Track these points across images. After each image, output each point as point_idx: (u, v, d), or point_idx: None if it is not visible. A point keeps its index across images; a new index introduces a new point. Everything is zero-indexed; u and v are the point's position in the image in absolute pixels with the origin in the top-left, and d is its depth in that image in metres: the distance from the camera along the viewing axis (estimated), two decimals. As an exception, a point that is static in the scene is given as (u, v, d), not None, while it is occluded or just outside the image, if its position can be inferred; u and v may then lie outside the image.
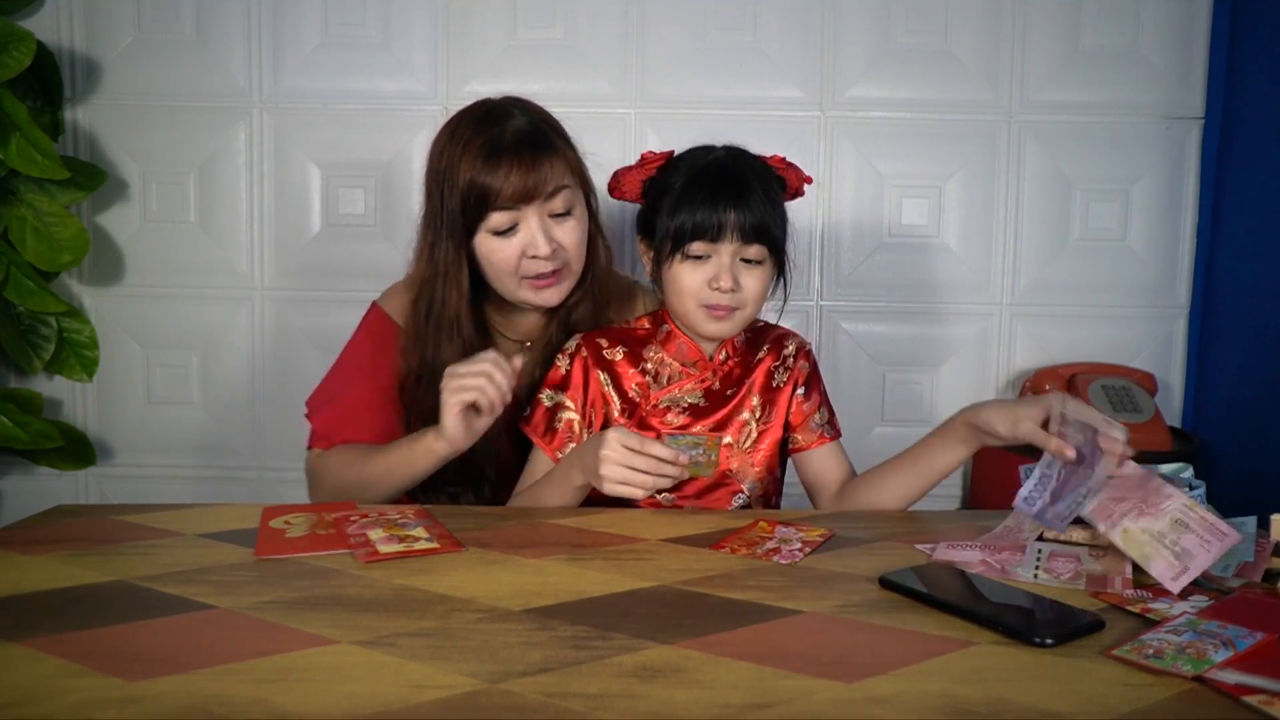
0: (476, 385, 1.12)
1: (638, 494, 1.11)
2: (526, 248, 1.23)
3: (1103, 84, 1.94)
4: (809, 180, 1.28)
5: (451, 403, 1.13)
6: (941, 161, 1.96)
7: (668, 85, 1.94)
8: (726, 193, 1.15)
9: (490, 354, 1.15)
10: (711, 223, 1.15)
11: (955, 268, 1.98)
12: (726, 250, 1.17)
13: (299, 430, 1.77)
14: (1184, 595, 0.85)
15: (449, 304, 1.27)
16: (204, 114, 1.95)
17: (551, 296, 1.28)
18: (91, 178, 1.86)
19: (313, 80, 1.94)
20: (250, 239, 1.98)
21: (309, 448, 1.35)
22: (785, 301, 1.28)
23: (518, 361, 1.16)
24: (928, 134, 1.95)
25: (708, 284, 1.17)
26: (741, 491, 1.26)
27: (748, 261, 1.18)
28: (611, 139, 1.92)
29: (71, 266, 1.87)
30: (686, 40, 1.94)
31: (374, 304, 1.41)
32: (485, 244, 1.25)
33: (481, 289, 1.31)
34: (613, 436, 1.10)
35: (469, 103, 1.30)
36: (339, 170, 1.96)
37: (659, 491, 1.22)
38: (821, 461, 1.29)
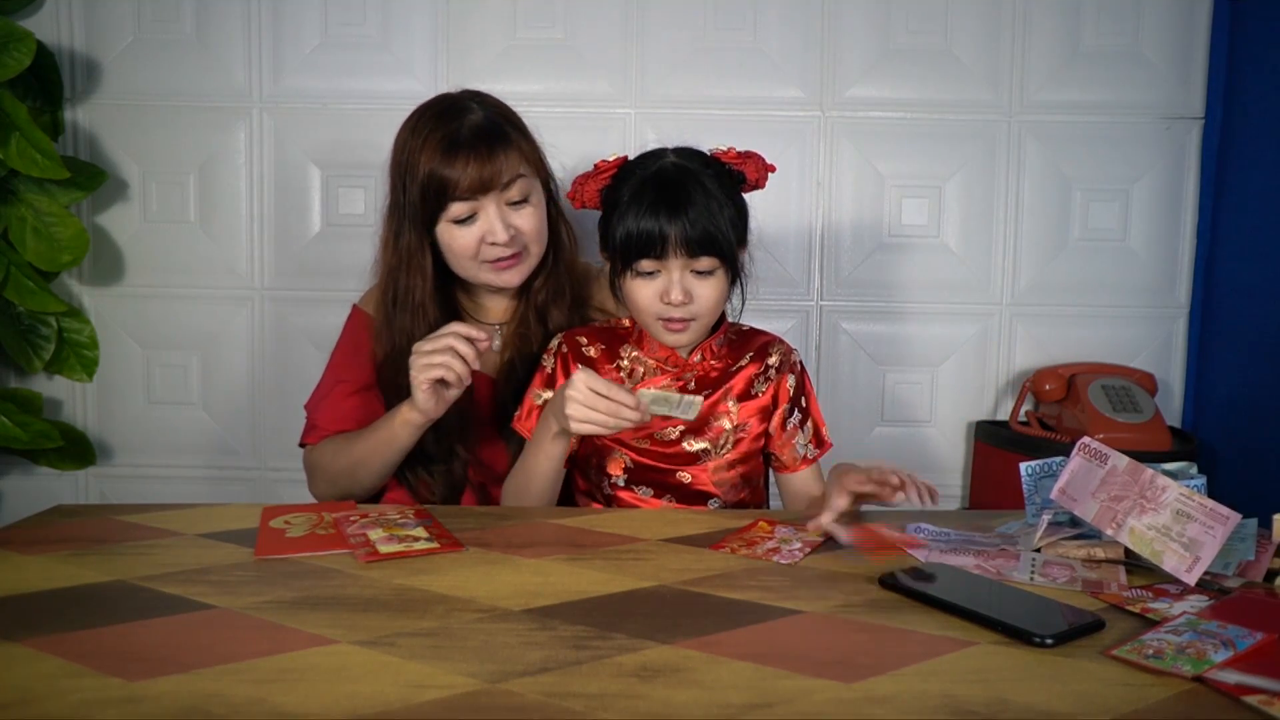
0: (443, 362, 1.19)
1: (602, 432, 1.12)
2: (485, 235, 1.30)
3: (1103, 84, 1.94)
4: (771, 169, 1.25)
5: (420, 380, 1.20)
6: (941, 161, 1.96)
7: (668, 85, 1.94)
8: (668, 206, 1.14)
9: (454, 326, 1.21)
10: (655, 239, 1.14)
11: (955, 268, 1.98)
12: (675, 265, 1.16)
13: (298, 430, 1.77)
14: (1184, 595, 0.85)
15: (414, 290, 1.33)
16: (204, 114, 1.95)
17: (511, 278, 1.34)
18: (91, 178, 1.86)
19: (313, 80, 1.94)
20: (250, 239, 1.98)
21: (300, 444, 1.43)
22: (744, 304, 1.27)
23: (481, 332, 1.21)
24: (928, 134, 1.95)
25: (659, 298, 1.17)
26: (716, 496, 1.27)
27: (699, 273, 1.17)
28: (611, 139, 1.92)
29: (71, 266, 1.87)
30: (686, 40, 1.94)
31: (354, 306, 1.49)
32: (446, 232, 1.31)
33: (449, 275, 1.37)
34: (579, 378, 1.11)
35: (422, 103, 1.37)
36: (339, 170, 1.96)
37: (647, 488, 1.24)
38: (801, 484, 1.30)
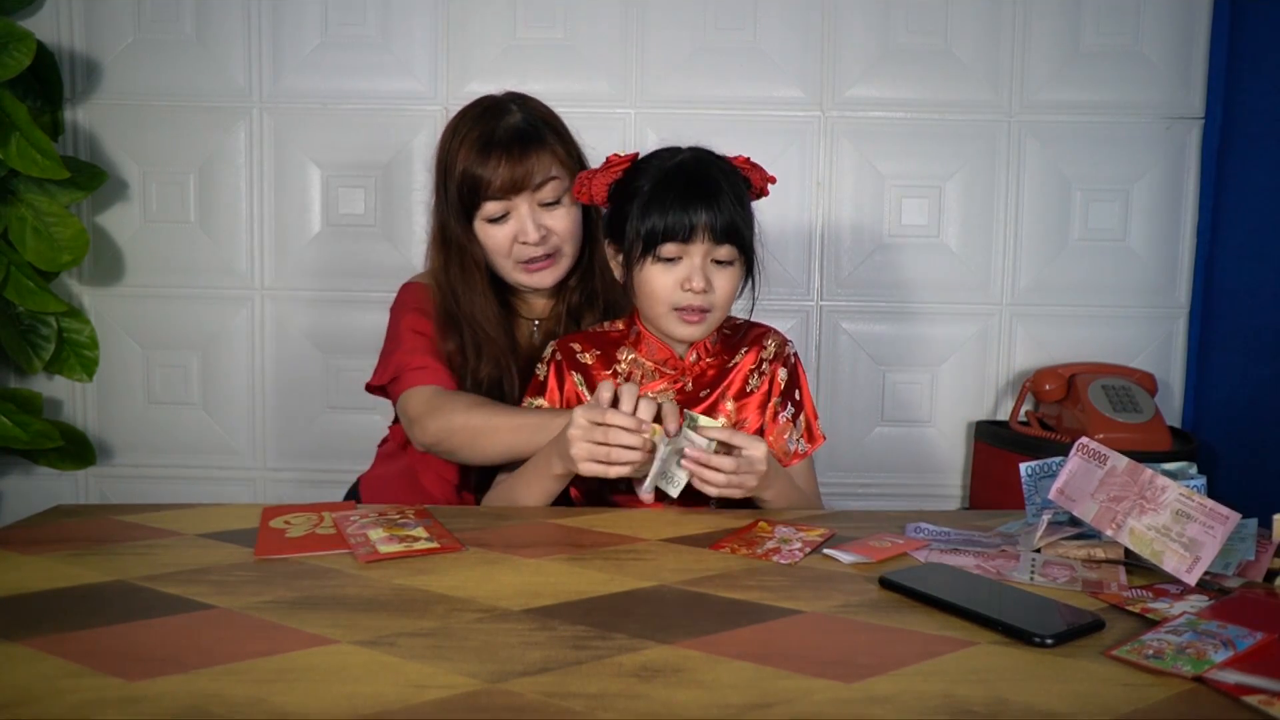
0: (627, 460, 1.09)
1: (612, 473, 1.09)
2: (518, 234, 1.32)
3: (1103, 84, 1.94)
4: (772, 180, 1.26)
5: (590, 467, 1.10)
6: (941, 161, 1.96)
7: (668, 85, 1.94)
8: (696, 193, 1.14)
9: (617, 423, 1.09)
10: (683, 224, 1.14)
11: (955, 268, 1.98)
12: (698, 251, 1.16)
13: (299, 430, 1.78)
14: (1184, 595, 0.85)
15: (472, 278, 1.35)
16: (204, 114, 1.95)
17: (544, 279, 1.36)
18: (91, 178, 1.86)
19: (313, 80, 1.94)
20: (250, 239, 1.98)
21: (413, 386, 1.33)
22: (755, 302, 1.27)
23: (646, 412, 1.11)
24: (928, 134, 1.95)
25: (679, 285, 1.17)
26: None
27: (718, 262, 1.18)
28: (611, 139, 1.92)
29: (71, 266, 1.87)
30: (686, 40, 1.94)
31: (406, 284, 1.45)
32: (482, 230, 1.34)
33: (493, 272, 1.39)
34: (578, 413, 1.10)
35: (468, 103, 1.36)
36: (339, 170, 1.96)
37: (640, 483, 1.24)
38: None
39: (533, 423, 1.22)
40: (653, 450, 1.10)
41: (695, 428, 1.10)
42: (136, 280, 1.99)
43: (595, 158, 1.34)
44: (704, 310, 1.18)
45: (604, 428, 1.08)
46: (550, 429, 1.19)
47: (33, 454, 1.95)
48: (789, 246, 1.97)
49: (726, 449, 1.10)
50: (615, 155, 1.24)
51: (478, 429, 1.25)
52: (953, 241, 1.97)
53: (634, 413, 1.09)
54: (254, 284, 1.99)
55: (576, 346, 1.30)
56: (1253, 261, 1.82)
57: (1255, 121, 1.83)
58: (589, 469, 1.10)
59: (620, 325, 1.31)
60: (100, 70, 1.94)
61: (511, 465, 1.28)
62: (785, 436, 1.27)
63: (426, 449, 1.33)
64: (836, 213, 1.97)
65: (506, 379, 1.35)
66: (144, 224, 1.98)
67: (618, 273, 1.26)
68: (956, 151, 1.95)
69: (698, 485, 1.10)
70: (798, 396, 1.29)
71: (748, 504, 1.30)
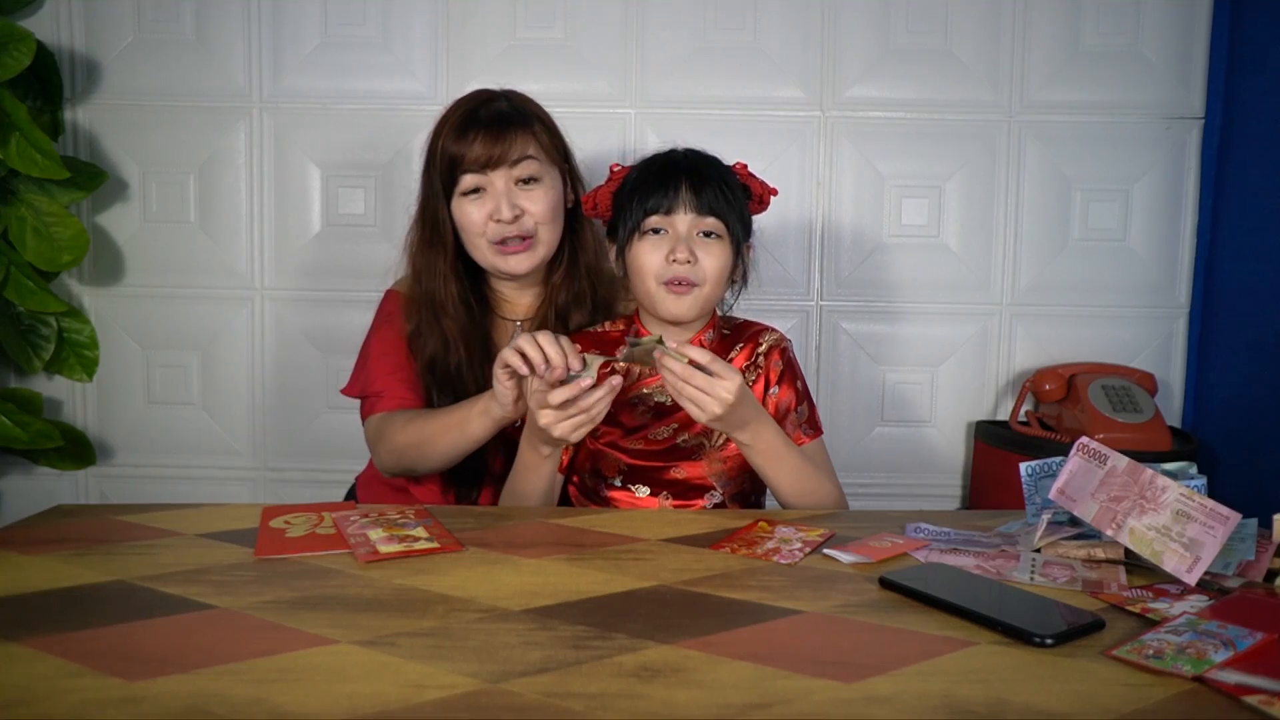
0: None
1: (591, 426, 1.12)
2: (493, 211, 1.32)
3: (1103, 84, 1.94)
4: (774, 192, 1.30)
5: (579, 434, 1.13)
6: (941, 161, 1.96)
7: (668, 85, 1.94)
8: (679, 170, 1.21)
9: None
10: (665, 197, 1.19)
11: (955, 268, 1.98)
12: (682, 222, 1.19)
13: (299, 430, 1.77)
14: (1184, 595, 0.85)
15: (437, 261, 1.36)
16: (204, 114, 1.95)
17: (519, 264, 1.35)
18: (91, 178, 1.86)
19: (313, 80, 1.94)
20: (250, 239, 1.98)
21: (369, 415, 1.38)
22: (743, 286, 1.29)
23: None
24: (928, 134, 1.95)
25: (665, 258, 1.19)
26: (714, 489, 1.26)
27: (705, 236, 1.21)
28: (611, 139, 1.92)
29: (71, 266, 1.87)
30: (686, 40, 1.94)
31: (387, 291, 1.48)
32: (459, 208, 1.34)
33: (480, 271, 1.40)
34: (540, 404, 1.11)
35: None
36: (339, 170, 1.96)
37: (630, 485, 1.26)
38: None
39: (457, 417, 1.26)
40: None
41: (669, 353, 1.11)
42: (136, 280, 1.99)
43: (596, 158, 1.35)
44: (691, 283, 1.20)
45: (573, 401, 1.09)
46: (473, 414, 1.24)
47: (33, 454, 1.95)
48: (789, 246, 1.97)
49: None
50: (616, 165, 1.28)
51: (419, 442, 1.30)
52: (953, 241, 1.97)
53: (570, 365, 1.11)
54: (254, 284, 1.99)
55: (577, 346, 1.30)
56: (1253, 261, 1.82)
57: (1255, 121, 1.83)
58: (579, 436, 1.12)
59: (620, 325, 1.33)
60: (100, 70, 1.94)
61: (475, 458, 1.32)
62: (788, 417, 1.28)
63: (391, 474, 1.37)
64: (836, 213, 1.97)
65: (454, 355, 1.35)
66: (144, 224, 1.98)
67: (619, 270, 1.27)
68: (956, 151, 1.95)
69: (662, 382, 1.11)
70: (800, 386, 1.30)
71: (748, 504, 1.31)
